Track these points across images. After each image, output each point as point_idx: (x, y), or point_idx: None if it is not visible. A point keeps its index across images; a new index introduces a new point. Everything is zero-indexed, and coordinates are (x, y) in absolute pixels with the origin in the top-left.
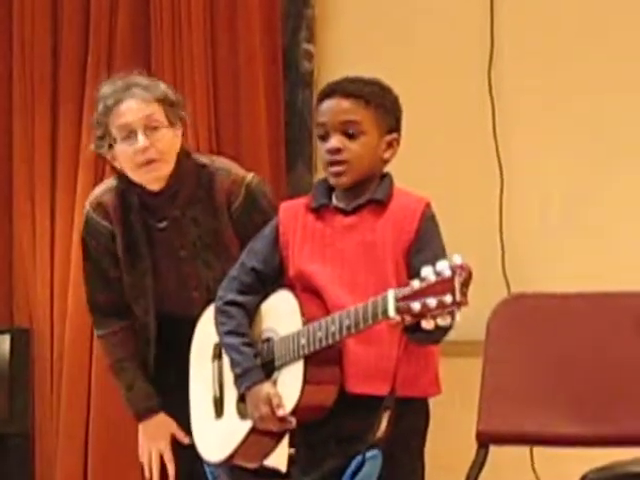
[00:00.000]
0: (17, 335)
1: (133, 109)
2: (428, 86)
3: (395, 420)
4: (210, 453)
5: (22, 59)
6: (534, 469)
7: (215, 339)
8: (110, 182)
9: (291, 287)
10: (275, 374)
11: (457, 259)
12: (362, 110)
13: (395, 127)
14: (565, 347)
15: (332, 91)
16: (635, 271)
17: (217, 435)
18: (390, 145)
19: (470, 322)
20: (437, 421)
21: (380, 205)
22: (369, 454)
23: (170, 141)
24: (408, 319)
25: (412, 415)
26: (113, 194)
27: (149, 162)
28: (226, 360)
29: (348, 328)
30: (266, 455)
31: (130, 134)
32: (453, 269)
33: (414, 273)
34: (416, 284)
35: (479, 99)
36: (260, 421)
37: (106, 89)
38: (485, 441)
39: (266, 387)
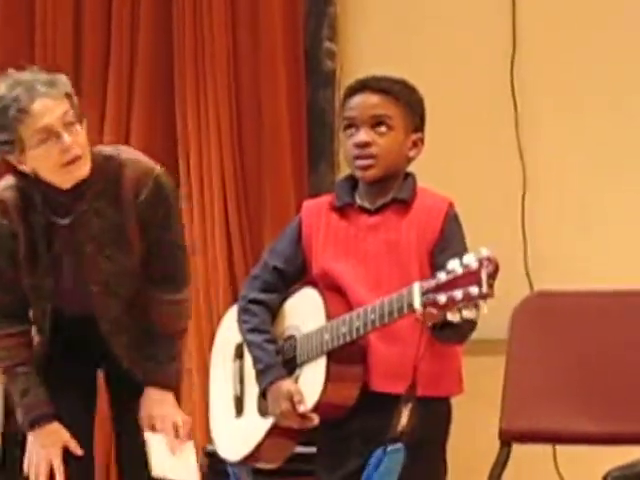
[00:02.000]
0: None
1: (49, 108)
2: (450, 85)
3: (417, 416)
4: (230, 452)
5: (44, 64)
6: (557, 467)
7: (237, 339)
8: (8, 180)
9: (315, 285)
10: (297, 371)
11: (484, 251)
12: (392, 106)
13: (420, 126)
14: (588, 345)
15: (362, 86)
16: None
17: (237, 434)
18: (415, 144)
19: (492, 320)
20: (460, 419)
21: (404, 205)
22: (390, 448)
23: (84, 136)
24: (433, 311)
25: (435, 414)
26: (13, 192)
27: (74, 160)
28: (248, 359)
29: (373, 322)
30: (286, 454)
31: (50, 135)
32: (480, 261)
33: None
34: (442, 276)
35: (501, 97)
36: (281, 418)
37: (1, 90)
38: (508, 439)
39: (287, 384)
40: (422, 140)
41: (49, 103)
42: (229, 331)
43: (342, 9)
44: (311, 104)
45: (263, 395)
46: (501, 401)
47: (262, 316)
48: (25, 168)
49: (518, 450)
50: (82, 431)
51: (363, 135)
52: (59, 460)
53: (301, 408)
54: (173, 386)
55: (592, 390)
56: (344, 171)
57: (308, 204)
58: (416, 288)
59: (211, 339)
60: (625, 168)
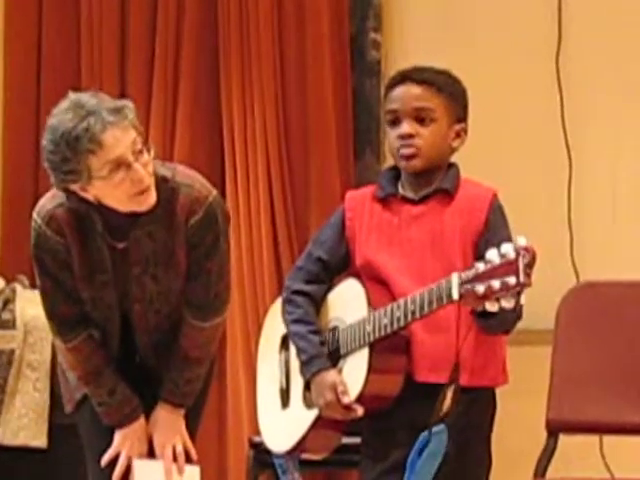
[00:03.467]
0: None
1: (119, 139)
2: (495, 75)
3: (460, 400)
4: (276, 443)
5: (90, 62)
6: (603, 458)
7: (282, 331)
8: (59, 196)
9: (358, 276)
10: (341, 362)
11: (521, 241)
12: (434, 97)
13: (463, 117)
14: (635, 335)
15: (404, 78)
16: None
17: (283, 425)
18: (458, 135)
19: (539, 311)
20: (506, 410)
21: (448, 195)
22: (435, 429)
23: (152, 164)
24: (472, 301)
25: (479, 404)
26: (64, 210)
27: (144, 191)
28: (293, 351)
29: (413, 313)
30: (332, 445)
31: (121, 165)
32: (517, 251)
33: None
34: (480, 266)
35: (547, 87)
36: (325, 409)
37: (67, 118)
38: (555, 430)
39: (331, 375)
40: (465, 130)
41: (118, 133)
42: (275, 322)
43: (387, 0)
44: (356, 94)
45: (307, 386)
46: (548, 392)
47: (306, 307)
48: (88, 196)
49: (564, 440)
50: None
51: (406, 127)
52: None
53: (345, 399)
54: (186, 405)
55: (639, 380)
56: (389, 161)
57: (351, 194)
58: (454, 278)
59: (257, 331)
60: None
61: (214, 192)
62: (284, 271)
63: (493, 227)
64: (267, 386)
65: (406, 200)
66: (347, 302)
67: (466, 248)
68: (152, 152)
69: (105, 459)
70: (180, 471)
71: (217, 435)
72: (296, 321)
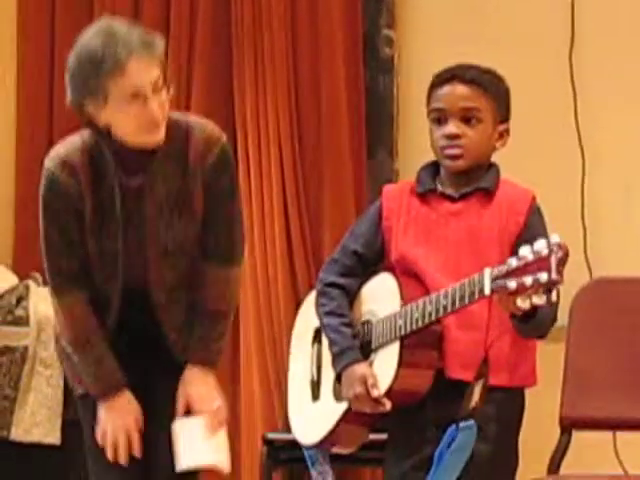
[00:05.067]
0: None
1: (144, 70)
2: (509, 71)
3: (487, 395)
4: (306, 435)
5: None
6: (617, 454)
7: (316, 323)
8: (74, 140)
9: (392, 270)
10: (372, 356)
11: (555, 238)
12: (481, 98)
13: (506, 117)
14: None
15: (451, 76)
16: None
17: (313, 417)
18: (501, 135)
19: None
20: None
21: (488, 194)
22: (463, 424)
23: (168, 103)
24: (503, 297)
25: (510, 404)
26: (79, 153)
27: (154, 126)
28: (325, 344)
29: (445, 308)
30: (360, 441)
31: (137, 96)
32: (550, 247)
33: None
34: (513, 262)
35: (560, 84)
36: (355, 401)
37: (96, 40)
38: (568, 426)
39: (362, 367)
40: (508, 131)
41: (143, 65)
42: (309, 315)
43: None
44: (369, 91)
45: (338, 379)
46: (561, 388)
47: (339, 300)
48: (99, 121)
49: (578, 436)
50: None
51: (453, 127)
52: (135, 431)
53: (374, 392)
54: (216, 366)
55: None
56: (403, 158)
57: (389, 188)
58: (487, 274)
59: (270, 332)
60: None
61: (224, 136)
62: (297, 270)
63: (532, 229)
64: (299, 378)
65: (445, 197)
66: (380, 296)
67: (503, 248)
68: (171, 91)
69: (98, 437)
70: (221, 424)
71: (230, 432)
72: (329, 313)
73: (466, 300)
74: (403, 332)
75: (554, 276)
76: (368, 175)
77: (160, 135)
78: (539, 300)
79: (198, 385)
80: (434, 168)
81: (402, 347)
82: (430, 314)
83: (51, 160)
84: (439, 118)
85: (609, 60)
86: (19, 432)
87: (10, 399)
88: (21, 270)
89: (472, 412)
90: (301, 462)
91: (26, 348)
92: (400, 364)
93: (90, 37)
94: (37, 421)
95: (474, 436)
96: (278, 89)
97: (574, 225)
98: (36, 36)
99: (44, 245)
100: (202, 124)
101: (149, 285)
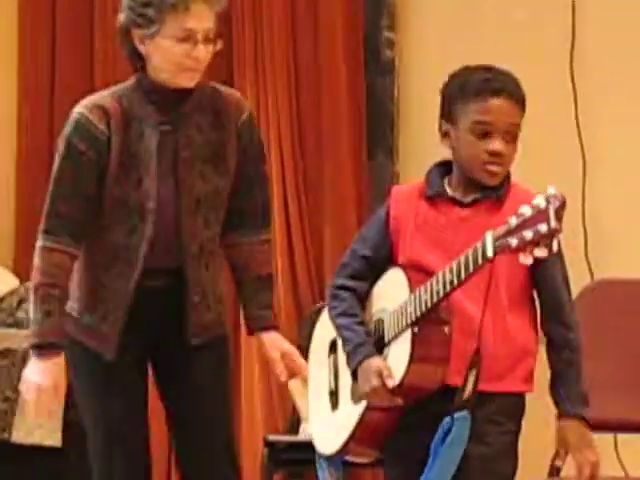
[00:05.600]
0: None
1: (203, 17)
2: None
3: (484, 405)
4: (326, 446)
5: (104, 73)
6: (618, 456)
7: (331, 336)
8: (102, 92)
9: (398, 265)
10: (385, 350)
11: (551, 190)
12: (521, 114)
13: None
14: None
15: (499, 90)
16: None
17: (333, 426)
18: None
19: None
20: None
21: (497, 200)
22: (457, 415)
23: (210, 57)
24: (506, 256)
25: (508, 408)
26: (110, 98)
27: (193, 70)
28: (341, 353)
29: (451, 282)
30: (380, 444)
31: (188, 38)
32: (547, 199)
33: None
34: (513, 221)
35: (561, 87)
36: (372, 394)
37: None
38: None
39: (377, 360)
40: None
41: (205, 12)
42: (324, 331)
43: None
44: (370, 93)
45: (354, 376)
46: None
47: (350, 301)
48: (142, 48)
49: None
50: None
51: (500, 145)
52: (48, 396)
53: (390, 382)
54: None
55: None
56: (402, 160)
57: (397, 190)
58: (488, 236)
59: None
60: None
61: None
62: (297, 270)
63: None
64: (318, 391)
65: (454, 201)
66: (390, 292)
67: (512, 255)
68: (218, 46)
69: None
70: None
71: None
72: (341, 314)
73: (471, 267)
74: (414, 317)
75: (553, 225)
76: (368, 177)
77: (194, 81)
78: (541, 252)
79: (284, 343)
80: (444, 169)
81: (414, 334)
82: (438, 292)
83: (81, 105)
84: (484, 132)
85: (610, 61)
86: (20, 434)
87: (11, 401)
88: (22, 272)
89: (466, 403)
90: (302, 464)
91: (27, 350)
92: (413, 350)
93: None
94: (38, 423)
95: (469, 426)
96: (279, 90)
97: (575, 227)
98: (36, 51)
99: (52, 184)
100: (231, 90)
101: (181, 235)
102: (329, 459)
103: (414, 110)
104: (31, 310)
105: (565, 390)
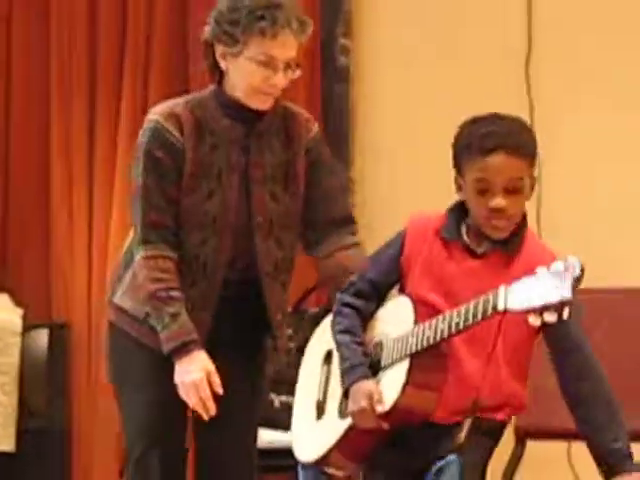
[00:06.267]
0: (55, 330)
1: (288, 45)
2: (464, 82)
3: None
4: (305, 453)
5: (61, 60)
6: (571, 465)
7: (329, 345)
8: (177, 100)
9: (408, 294)
10: (380, 374)
11: (571, 258)
12: (524, 166)
13: (536, 160)
14: (600, 342)
15: (497, 146)
16: None
17: (315, 435)
18: (532, 186)
19: None
20: None
21: (509, 255)
22: (450, 458)
23: (288, 82)
24: (515, 312)
25: (486, 433)
26: (184, 106)
27: (268, 94)
28: (335, 365)
29: (457, 325)
30: (360, 460)
31: (270, 64)
32: (566, 267)
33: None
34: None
35: (516, 95)
36: (358, 415)
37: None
38: (522, 436)
39: (369, 384)
40: (535, 179)
41: (291, 41)
42: (323, 337)
43: (357, 6)
44: (326, 100)
45: (345, 394)
46: None
47: (353, 319)
48: (222, 63)
49: (532, 447)
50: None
51: (500, 201)
52: (206, 388)
53: (379, 407)
54: None
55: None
56: (357, 166)
57: (415, 219)
58: (502, 290)
59: None
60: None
61: None
62: None
63: None
64: (305, 397)
65: (468, 249)
66: (395, 318)
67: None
68: (297, 73)
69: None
70: None
71: None
72: (342, 331)
73: (479, 316)
74: (414, 349)
75: (567, 294)
76: None
77: (267, 105)
78: (550, 317)
79: None
80: (461, 212)
81: (411, 365)
82: (442, 331)
83: (155, 113)
84: (484, 189)
85: (565, 70)
86: None
87: None
88: None
89: (459, 448)
90: (278, 470)
91: None
92: (408, 381)
93: None
94: None
95: (459, 473)
96: None
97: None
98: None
99: (139, 195)
100: (301, 109)
101: (256, 255)
102: (306, 467)
103: (370, 116)
104: (155, 320)
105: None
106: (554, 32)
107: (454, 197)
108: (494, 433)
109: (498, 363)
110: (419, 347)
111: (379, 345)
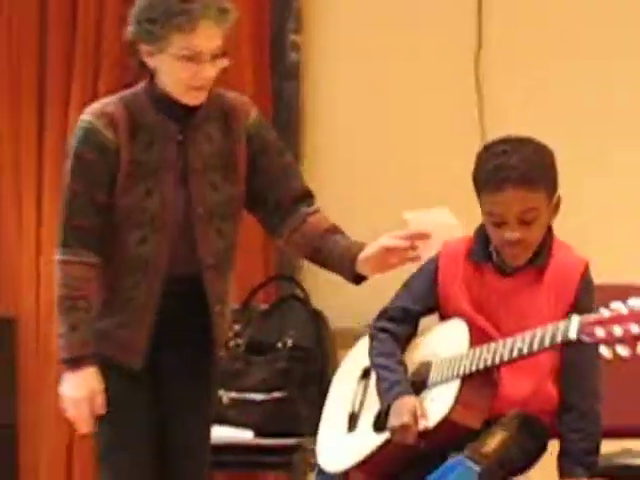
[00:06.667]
0: (2, 324)
1: (210, 36)
2: (415, 78)
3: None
4: (332, 463)
5: (9, 59)
6: None
7: (365, 363)
8: (110, 98)
9: (464, 317)
10: (425, 393)
11: None
12: (536, 195)
13: (556, 184)
14: None
15: (506, 180)
16: (621, 267)
17: (344, 447)
18: (556, 206)
19: None
20: None
21: (539, 270)
22: (469, 463)
23: (219, 70)
24: (587, 343)
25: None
26: (117, 104)
27: (199, 88)
28: (372, 382)
29: (520, 350)
30: (382, 477)
31: (195, 57)
32: None
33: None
34: (605, 313)
35: (466, 92)
36: (400, 430)
37: None
38: None
39: (413, 399)
40: (560, 198)
41: (212, 31)
42: (359, 355)
43: (307, 2)
44: (276, 96)
45: (386, 411)
46: None
47: (389, 343)
48: (149, 61)
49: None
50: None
51: (514, 234)
52: (86, 408)
53: (422, 422)
54: None
55: None
56: (308, 163)
57: (448, 246)
58: (575, 319)
59: None
60: (588, 165)
61: None
62: None
63: (582, 303)
64: (338, 408)
65: (498, 269)
66: (448, 339)
67: (557, 320)
68: (225, 62)
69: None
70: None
71: None
72: (379, 354)
73: (547, 342)
74: (467, 370)
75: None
76: None
77: (200, 99)
78: (624, 351)
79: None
80: (487, 233)
81: (462, 385)
82: (502, 355)
83: (88, 113)
84: (497, 222)
85: (515, 72)
86: None
87: None
88: None
89: (482, 457)
90: (226, 466)
91: None
92: (457, 401)
93: None
94: None
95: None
96: None
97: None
98: None
99: (65, 196)
100: (235, 93)
101: (196, 246)
102: (327, 476)
103: (320, 113)
104: (59, 324)
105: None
106: (504, 29)
107: (405, 193)
108: (541, 435)
109: (543, 374)
110: (474, 368)
111: (427, 364)
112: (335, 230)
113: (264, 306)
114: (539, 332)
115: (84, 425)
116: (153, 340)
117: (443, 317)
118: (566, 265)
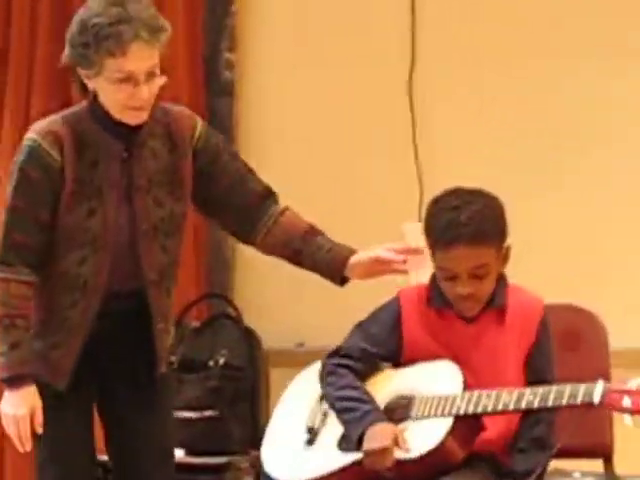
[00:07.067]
0: None
1: (143, 57)
2: (349, 96)
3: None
4: (283, 473)
5: None
6: None
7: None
8: (54, 116)
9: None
10: (406, 423)
11: None
12: (487, 250)
13: (506, 235)
14: None
15: (457, 238)
16: (558, 285)
17: (302, 459)
18: (506, 256)
19: None
20: None
21: (500, 310)
22: None
23: (158, 87)
24: (610, 409)
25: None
26: (62, 123)
27: (138, 108)
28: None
29: (529, 403)
30: None
31: (130, 79)
32: None
33: (530, 376)
34: (633, 385)
35: (399, 108)
36: (377, 453)
37: (103, 15)
38: None
39: (392, 426)
40: (509, 246)
41: (144, 52)
42: (311, 380)
43: (241, 21)
44: (210, 114)
45: (359, 437)
46: None
47: (351, 377)
48: (88, 84)
49: None
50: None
51: (465, 289)
52: (27, 426)
53: (403, 451)
54: None
55: None
56: None
57: (405, 294)
58: (600, 384)
59: None
60: (524, 178)
61: None
62: None
63: (542, 341)
64: (293, 419)
65: (460, 315)
66: (436, 379)
67: (519, 361)
68: (163, 79)
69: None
70: None
71: None
72: (343, 387)
73: (564, 401)
74: (462, 412)
75: None
76: None
77: (140, 119)
78: None
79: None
80: None
81: (455, 425)
82: (506, 404)
83: (32, 131)
84: (448, 277)
85: (448, 86)
86: None
87: None
88: None
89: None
90: None
91: None
92: (446, 439)
93: (103, 6)
94: None
95: None
96: None
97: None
98: None
99: (6, 213)
100: (179, 107)
101: (139, 263)
102: None
103: (254, 131)
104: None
105: None
106: (438, 44)
107: (343, 209)
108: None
109: (515, 415)
110: (470, 412)
111: (406, 398)
112: (314, 231)
113: (196, 324)
114: (555, 388)
115: (25, 442)
116: (92, 360)
117: (403, 363)
118: (526, 305)
